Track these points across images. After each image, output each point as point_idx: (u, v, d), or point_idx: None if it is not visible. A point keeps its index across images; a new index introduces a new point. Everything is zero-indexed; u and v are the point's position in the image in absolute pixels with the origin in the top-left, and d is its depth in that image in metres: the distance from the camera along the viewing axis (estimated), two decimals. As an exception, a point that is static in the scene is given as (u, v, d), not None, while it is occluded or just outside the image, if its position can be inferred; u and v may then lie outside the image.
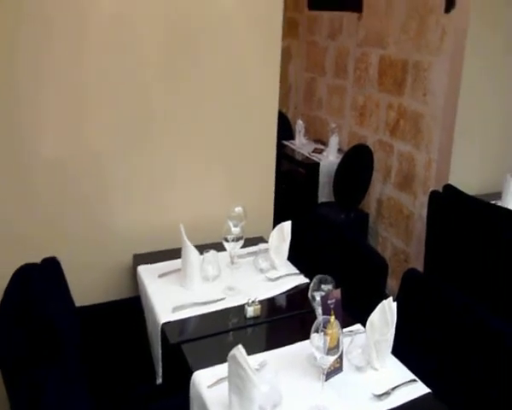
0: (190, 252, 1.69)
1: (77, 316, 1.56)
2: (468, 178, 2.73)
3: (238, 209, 1.71)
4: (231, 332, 1.51)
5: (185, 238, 1.70)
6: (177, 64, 1.92)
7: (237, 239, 1.65)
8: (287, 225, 1.88)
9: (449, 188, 2.60)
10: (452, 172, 2.73)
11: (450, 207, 2.55)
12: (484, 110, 2.75)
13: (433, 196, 2.63)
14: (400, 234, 3.17)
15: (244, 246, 1.69)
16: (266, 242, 1.92)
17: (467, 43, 2.58)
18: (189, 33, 1.90)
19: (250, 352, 1.32)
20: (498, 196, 2.65)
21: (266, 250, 1.87)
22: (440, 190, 2.64)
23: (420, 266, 2.79)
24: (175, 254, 1.79)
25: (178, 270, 1.74)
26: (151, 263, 1.83)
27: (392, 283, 2.84)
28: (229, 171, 2.14)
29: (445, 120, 2.75)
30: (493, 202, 2.56)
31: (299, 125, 3.85)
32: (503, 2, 2.62)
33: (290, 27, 4.11)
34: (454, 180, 2.68)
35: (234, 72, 2.03)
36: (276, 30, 2.08)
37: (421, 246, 2.85)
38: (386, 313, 1.38)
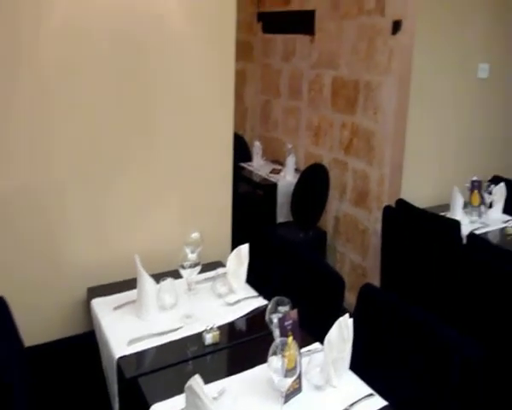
0: (145, 281, 1.66)
1: (25, 357, 1.49)
2: (418, 192, 2.85)
3: (195, 235, 1.70)
4: (190, 361, 1.48)
5: (140, 268, 1.67)
6: (128, 89, 1.90)
7: (194, 265, 1.64)
8: (244, 248, 1.88)
9: (401, 202, 2.70)
10: (404, 186, 2.84)
11: (403, 221, 2.64)
12: (431, 127, 2.89)
13: (387, 210, 2.72)
14: (357, 249, 3.24)
15: (202, 271, 1.68)
16: (224, 266, 1.91)
17: (413, 63, 2.72)
18: (139, 57, 1.89)
19: (210, 379, 1.31)
20: (447, 207, 2.78)
21: (224, 275, 1.86)
22: (393, 204, 2.74)
23: (377, 280, 2.85)
24: (131, 285, 1.75)
25: (134, 301, 1.70)
26: (106, 296, 1.78)
27: (351, 297, 2.88)
28: (184, 196, 2.12)
29: (395, 137, 2.87)
30: (442, 214, 2.68)
31: (257, 147, 3.89)
32: (446, 24, 2.79)
33: (245, 50, 4.17)
34: (406, 195, 2.79)
35: (187, 96, 2.03)
36: (230, 52, 2.09)
37: (377, 260, 2.92)
38: (342, 330, 1.40)
